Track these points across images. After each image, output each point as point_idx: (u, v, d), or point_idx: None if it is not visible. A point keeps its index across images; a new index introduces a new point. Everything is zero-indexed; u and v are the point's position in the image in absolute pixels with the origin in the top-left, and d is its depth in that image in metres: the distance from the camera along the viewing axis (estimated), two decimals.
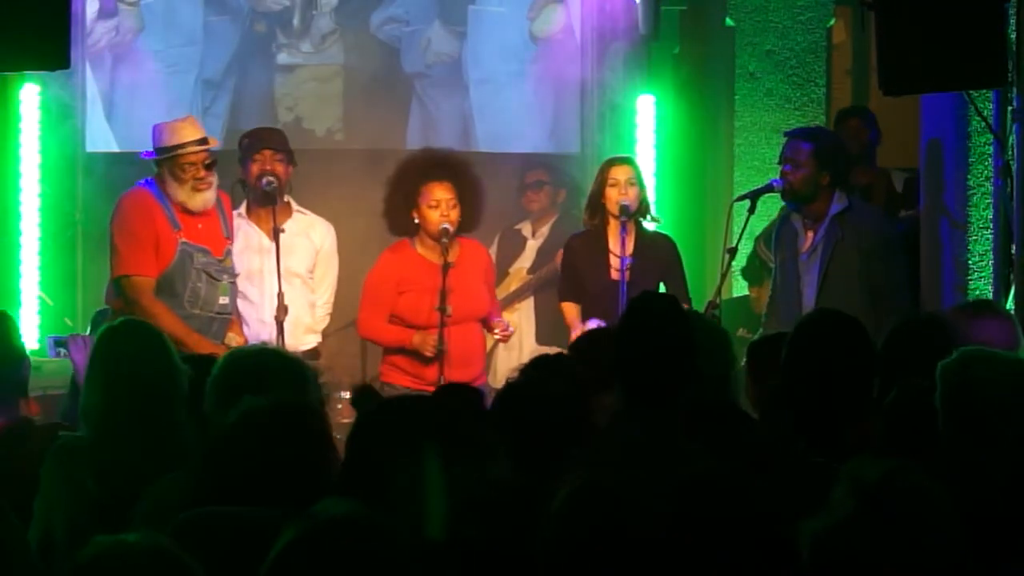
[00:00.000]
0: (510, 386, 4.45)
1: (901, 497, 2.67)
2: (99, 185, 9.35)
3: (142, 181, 7.06)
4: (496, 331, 7.46)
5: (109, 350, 4.34)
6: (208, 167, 7.03)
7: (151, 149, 7.07)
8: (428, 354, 7.20)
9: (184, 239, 6.91)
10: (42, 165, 9.24)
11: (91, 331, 6.94)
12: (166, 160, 6.95)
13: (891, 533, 2.62)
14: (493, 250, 8.87)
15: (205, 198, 6.99)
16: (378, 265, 7.50)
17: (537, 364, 4.84)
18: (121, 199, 7.03)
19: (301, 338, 7.57)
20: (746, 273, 8.50)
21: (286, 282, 7.38)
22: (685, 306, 7.61)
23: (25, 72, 8.79)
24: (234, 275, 7.08)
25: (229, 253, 7.13)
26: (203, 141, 7.04)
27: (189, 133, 7.02)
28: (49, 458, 4.27)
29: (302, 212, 7.88)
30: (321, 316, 8.00)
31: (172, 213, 6.92)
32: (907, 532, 2.62)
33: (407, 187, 7.35)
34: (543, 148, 9.62)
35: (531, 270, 8.93)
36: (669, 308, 4.59)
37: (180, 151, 6.94)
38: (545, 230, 9.01)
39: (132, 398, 4.17)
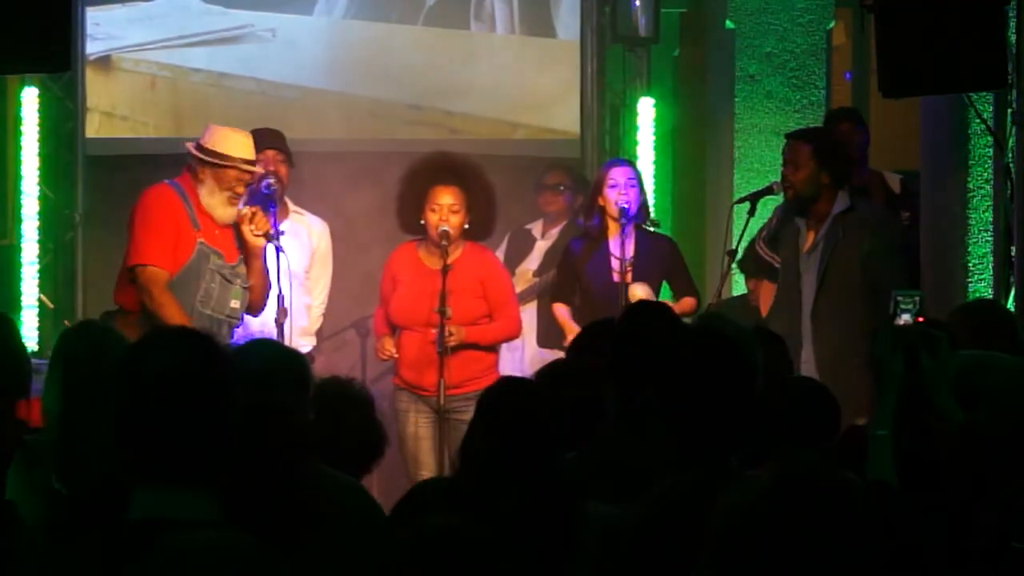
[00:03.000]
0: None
1: (821, 490, 2.61)
2: (99, 188, 9.37)
3: (166, 180, 7.03)
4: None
5: (65, 350, 4.39)
6: (246, 185, 7.00)
7: (197, 143, 6.97)
8: (379, 357, 7.48)
9: (202, 239, 6.90)
10: (42, 167, 9.25)
11: None
12: (212, 164, 6.90)
13: (801, 522, 2.58)
14: (502, 250, 8.87)
15: (232, 213, 6.97)
16: (386, 261, 7.59)
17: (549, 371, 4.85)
18: (145, 193, 6.99)
19: (296, 341, 7.54)
20: (742, 264, 8.48)
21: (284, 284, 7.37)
22: (693, 300, 7.70)
23: (25, 74, 8.81)
24: (247, 282, 7.05)
25: (241, 262, 7.11)
26: (253, 163, 7.02)
27: (245, 150, 6.97)
28: (15, 462, 4.32)
29: (298, 212, 7.88)
30: (315, 317, 8.01)
31: (193, 212, 6.91)
32: (818, 525, 2.58)
33: (416, 190, 7.37)
34: (543, 151, 9.62)
35: (537, 272, 8.92)
36: (665, 315, 4.59)
37: (232, 163, 6.90)
38: (555, 232, 8.99)
39: (91, 398, 4.17)
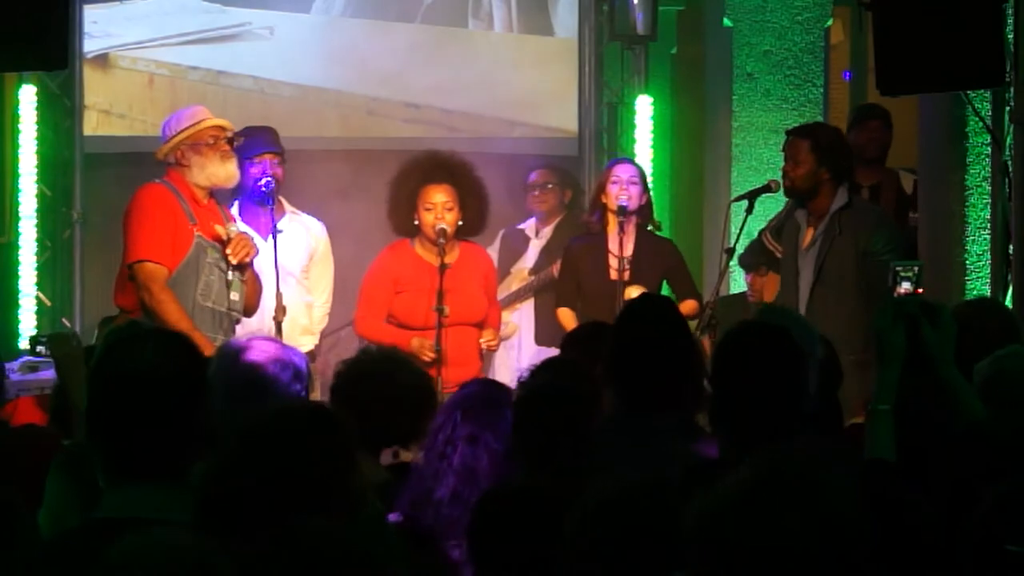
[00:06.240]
0: (527, 387, 4.43)
1: (797, 485, 2.59)
2: (97, 186, 9.36)
3: (156, 179, 7.05)
4: (481, 339, 7.41)
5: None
6: (229, 141, 7.04)
7: (164, 141, 7.03)
8: (425, 359, 7.12)
9: (199, 233, 6.91)
10: (40, 165, 9.24)
11: (97, 337, 6.90)
12: (188, 140, 6.95)
13: (776, 517, 2.56)
14: (495, 249, 8.86)
15: (232, 169, 7.00)
16: (376, 263, 7.52)
17: (548, 366, 4.84)
18: (139, 191, 7.01)
19: (297, 339, 7.52)
20: (743, 259, 8.47)
21: (282, 282, 7.36)
22: (695, 303, 7.69)
23: (23, 72, 8.80)
24: (244, 276, 7.05)
25: None
26: (214, 118, 7.11)
27: (203, 113, 7.09)
28: (55, 468, 4.29)
29: (295, 212, 7.89)
30: (320, 317, 8.00)
31: (188, 207, 6.92)
32: (793, 520, 2.55)
33: (408, 189, 7.36)
34: (541, 149, 9.61)
35: (533, 270, 8.92)
36: (666, 310, 4.58)
37: (200, 126, 6.97)
38: (548, 230, 9.00)
39: None
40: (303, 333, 7.78)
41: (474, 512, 3.63)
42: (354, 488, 3.11)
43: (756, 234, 8.17)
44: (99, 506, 3.03)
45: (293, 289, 7.64)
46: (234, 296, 6.98)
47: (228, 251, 6.90)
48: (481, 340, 7.39)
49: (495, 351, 7.59)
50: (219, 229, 6.91)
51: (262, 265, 7.37)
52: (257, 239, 7.41)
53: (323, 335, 8.29)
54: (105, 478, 3.04)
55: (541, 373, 4.71)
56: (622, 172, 7.73)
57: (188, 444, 3.02)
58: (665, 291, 7.80)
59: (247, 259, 6.96)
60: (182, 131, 6.99)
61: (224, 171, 6.98)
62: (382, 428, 4.68)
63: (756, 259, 8.33)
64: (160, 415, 2.99)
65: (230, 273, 6.94)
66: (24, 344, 8.74)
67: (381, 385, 4.75)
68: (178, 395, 3.03)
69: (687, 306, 7.58)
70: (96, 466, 4.07)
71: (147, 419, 2.99)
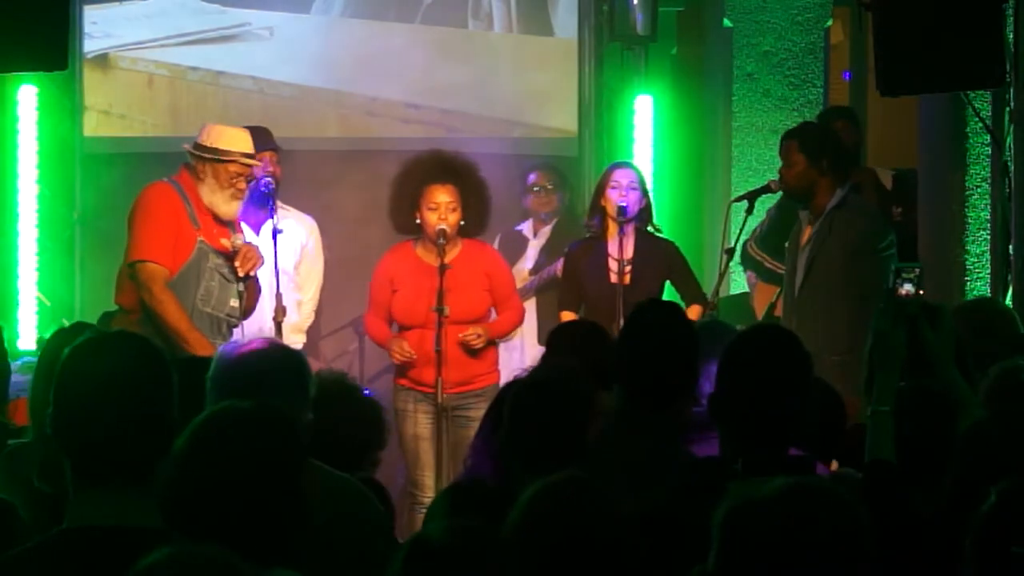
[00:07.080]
0: (519, 386, 4.42)
1: (830, 505, 2.57)
2: (97, 186, 9.36)
3: (165, 178, 7.04)
4: (461, 333, 7.35)
5: (52, 349, 4.38)
6: (247, 181, 7.01)
7: (194, 143, 6.98)
8: (394, 360, 7.30)
9: (202, 238, 6.90)
10: (40, 166, 9.23)
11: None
12: (211, 161, 6.91)
13: (806, 534, 2.55)
14: None
15: (235, 209, 6.97)
16: (377, 266, 7.57)
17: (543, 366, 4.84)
18: (145, 190, 7.00)
19: (289, 338, 7.54)
20: (743, 259, 8.46)
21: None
22: (701, 308, 7.64)
23: (23, 73, 8.79)
24: (246, 283, 7.05)
25: None
26: (252, 156, 7.02)
27: (244, 144, 6.99)
28: None
29: (285, 208, 7.90)
30: (307, 313, 8.03)
31: (193, 211, 6.91)
32: (822, 539, 2.56)
33: (410, 189, 7.37)
34: (541, 149, 9.61)
35: (533, 270, 8.92)
36: (671, 314, 4.59)
37: (233, 158, 6.91)
38: (547, 230, 8.98)
39: None
40: (293, 331, 7.80)
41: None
42: (304, 485, 3.06)
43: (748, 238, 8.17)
44: (68, 513, 3.02)
45: (285, 287, 7.64)
46: (233, 303, 6.99)
47: (236, 263, 6.90)
48: (460, 334, 7.34)
49: (473, 346, 7.41)
50: (224, 242, 6.90)
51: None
52: (251, 235, 7.42)
53: (325, 335, 8.31)
54: (73, 484, 3.03)
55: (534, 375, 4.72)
56: (621, 177, 7.72)
57: (157, 446, 3.01)
58: (668, 293, 7.79)
59: (254, 271, 6.97)
60: (215, 150, 6.91)
61: (226, 208, 6.95)
62: (333, 454, 4.70)
63: (749, 265, 8.33)
64: (127, 418, 2.99)
65: (240, 285, 6.95)
66: (24, 344, 8.74)
67: (329, 413, 4.76)
68: (145, 397, 3.03)
69: (693, 311, 7.52)
70: (36, 471, 4.10)
71: (114, 423, 2.99)
